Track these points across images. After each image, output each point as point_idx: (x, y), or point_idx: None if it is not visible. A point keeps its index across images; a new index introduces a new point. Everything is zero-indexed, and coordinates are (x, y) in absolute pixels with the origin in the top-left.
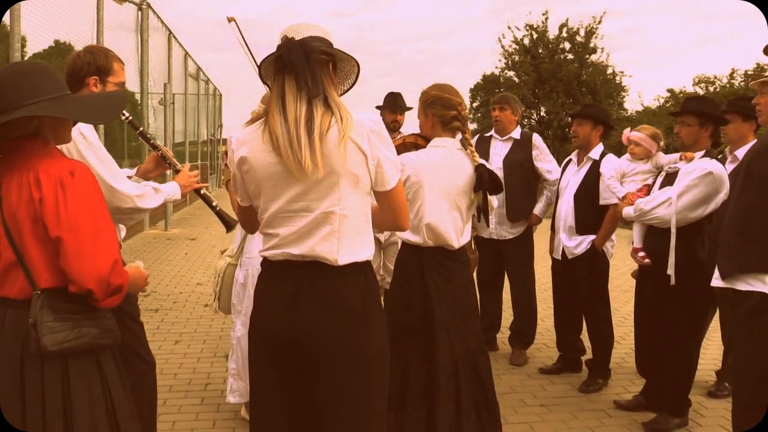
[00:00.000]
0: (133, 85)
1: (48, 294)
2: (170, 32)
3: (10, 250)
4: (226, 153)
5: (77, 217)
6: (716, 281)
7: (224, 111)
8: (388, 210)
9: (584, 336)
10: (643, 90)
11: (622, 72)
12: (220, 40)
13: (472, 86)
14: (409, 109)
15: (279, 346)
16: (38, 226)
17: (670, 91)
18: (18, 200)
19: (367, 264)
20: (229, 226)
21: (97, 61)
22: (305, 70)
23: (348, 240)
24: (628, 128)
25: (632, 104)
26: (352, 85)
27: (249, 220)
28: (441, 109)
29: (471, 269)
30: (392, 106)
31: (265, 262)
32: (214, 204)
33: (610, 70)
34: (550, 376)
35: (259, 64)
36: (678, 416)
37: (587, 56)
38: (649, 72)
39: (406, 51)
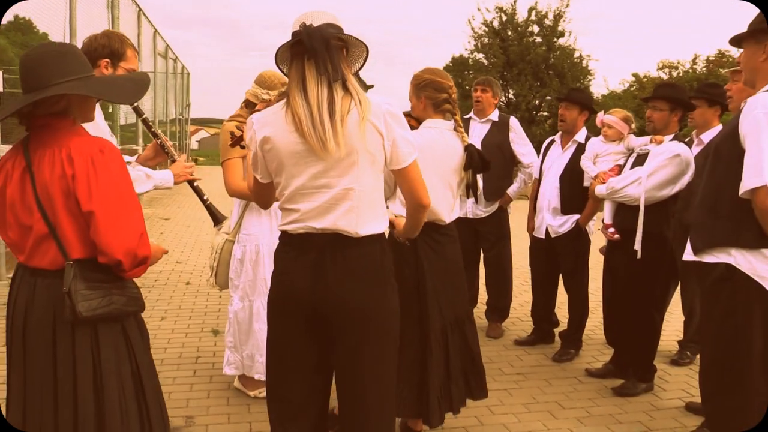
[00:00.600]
0: None
1: (80, 264)
2: (140, 9)
3: (42, 222)
4: (162, 145)
5: (107, 192)
6: (688, 255)
7: (192, 90)
8: (408, 185)
9: (557, 309)
10: (608, 74)
11: (588, 56)
12: (185, 16)
13: (442, 68)
14: (371, 86)
15: (304, 311)
16: (70, 201)
17: (635, 75)
18: (51, 176)
19: (382, 235)
20: (217, 220)
21: (112, 45)
22: (325, 56)
23: (366, 214)
24: (602, 111)
25: (598, 88)
26: (361, 67)
27: (265, 196)
28: (433, 92)
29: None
30: None
31: (285, 236)
32: (204, 198)
33: (577, 54)
34: (525, 347)
35: (278, 49)
36: (644, 381)
37: (555, 40)
38: (615, 56)
39: (374, 31)
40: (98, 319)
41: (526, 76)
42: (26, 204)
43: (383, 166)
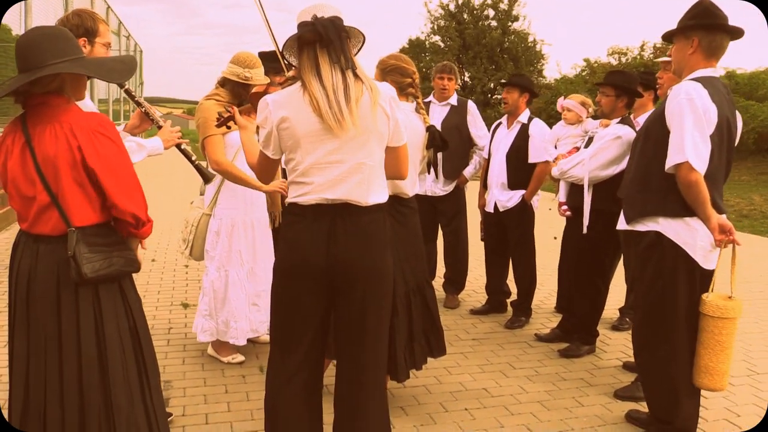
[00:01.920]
0: None
1: (82, 231)
2: None
3: (45, 193)
4: (146, 113)
5: (114, 159)
6: (621, 225)
7: (144, 68)
8: (395, 162)
9: (510, 281)
10: (561, 59)
11: (542, 40)
12: None
13: (398, 50)
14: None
15: (315, 273)
16: (76, 171)
17: (586, 60)
18: (56, 149)
19: (384, 204)
20: (207, 179)
21: (84, 24)
22: (338, 45)
23: (373, 185)
24: (562, 96)
25: (551, 72)
26: (356, 53)
27: (271, 171)
28: (398, 77)
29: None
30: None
31: (295, 207)
32: (193, 158)
33: (531, 39)
34: (480, 316)
35: (285, 40)
36: (587, 344)
37: (510, 24)
38: (567, 42)
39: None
40: (101, 279)
41: (481, 59)
42: (28, 176)
43: (386, 144)
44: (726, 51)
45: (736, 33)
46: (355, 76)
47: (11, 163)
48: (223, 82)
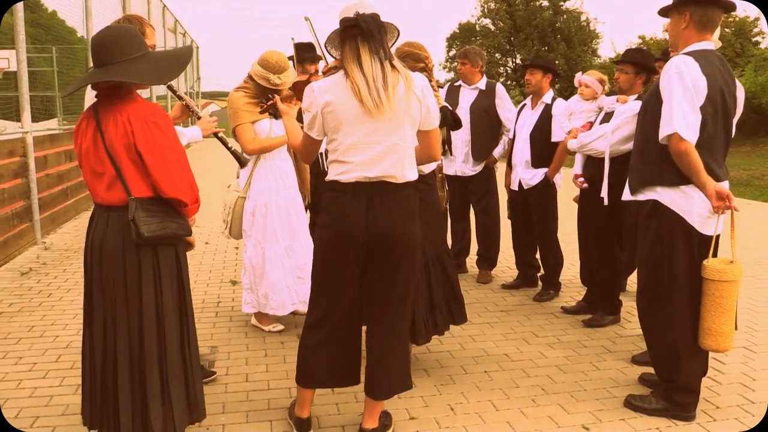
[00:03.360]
0: None
1: (140, 200)
2: None
3: (112, 169)
4: (186, 106)
5: (160, 143)
6: (626, 195)
7: (201, 63)
8: (427, 144)
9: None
10: (616, 37)
11: (596, 19)
12: None
13: (449, 35)
14: (319, 58)
15: (355, 243)
16: (131, 152)
17: (641, 37)
18: (116, 134)
19: (414, 181)
20: (242, 163)
21: (133, 26)
22: (378, 39)
23: (407, 164)
24: (580, 72)
25: (606, 51)
26: (392, 45)
27: (313, 151)
28: (412, 62)
29: (443, 203)
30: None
31: (336, 184)
32: (229, 146)
33: (584, 17)
34: (510, 290)
35: (328, 34)
36: (611, 314)
37: (561, 3)
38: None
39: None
40: (157, 240)
41: (533, 40)
42: (98, 155)
43: (417, 128)
44: (718, 25)
45: (729, 6)
46: (392, 66)
47: (86, 144)
48: (253, 78)
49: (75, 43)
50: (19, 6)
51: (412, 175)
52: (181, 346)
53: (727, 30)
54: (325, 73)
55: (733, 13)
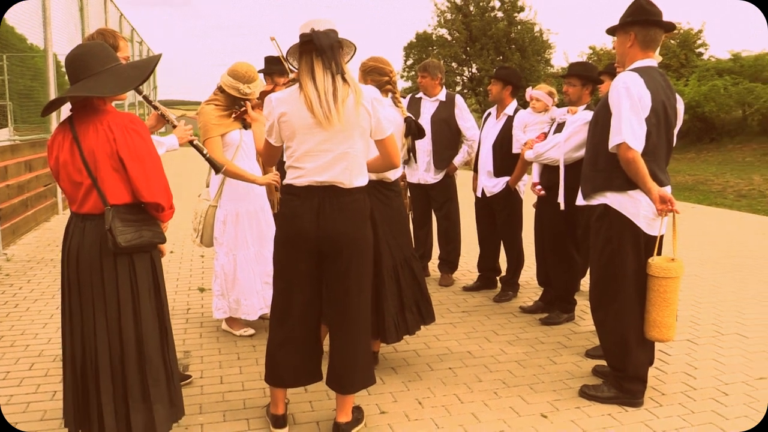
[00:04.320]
0: (73, 46)
1: (116, 208)
2: None
3: (89, 178)
4: (162, 115)
5: (142, 150)
6: (579, 201)
7: (157, 72)
8: (384, 152)
9: (502, 260)
10: (569, 47)
11: (548, 30)
12: None
13: (406, 44)
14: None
15: (308, 242)
16: (113, 159)
17: (592, 48)
18: (97, 142)
19: (365, 187)
20: (217, 169)
21: (107, 41)
22: (330, 55)
23: (355, 171)
24: (530, 87)
25: (558, 61)
26: (349, 60)
27: (274, 156)
28: (377, 76)
29: (406, 210)
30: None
31: (291, 188)
32: (204, 152)
33: (537, 28)
34: (471, 292)
35: (289, 47)
36: (566, 312)
37: (516, 14)
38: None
39: (339, 6)
40: (133, 249)
41: (488, 50)
42: (76, 166)
43: (368, 137)
44: (660, 43)
45: (669, 27)
46: (344, 80)
47: (63, 156)
48: (223, 89)
49: (25, 50)
50: None
51: (360, 182)
52: (161, 349)
53: (672, 42)
54: (285, 84)
55: (678, 25)
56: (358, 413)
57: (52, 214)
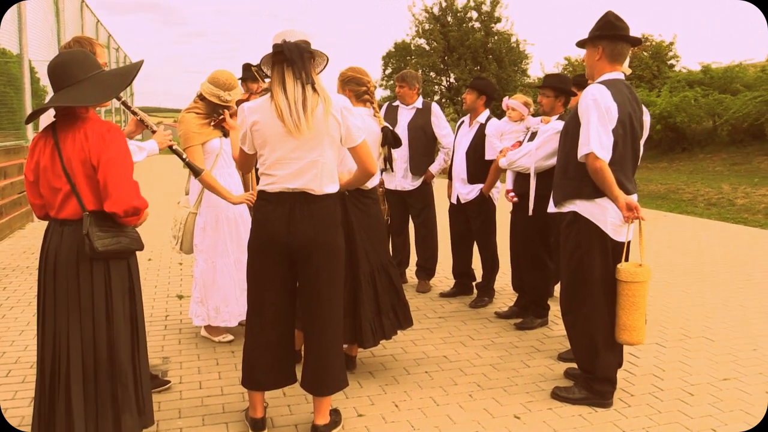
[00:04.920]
0: (49, 52)
1: (93, 214)
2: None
3: (68, 185)
4: (141, 120)
5: (114, 158)
6: (550, 208)
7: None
8: (358, 159)
9: (476, 266)
10: (544, 57)
11: (525, 40)
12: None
13: (384, 53)
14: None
15: (279, 247)
16: (87, 167)
17: (567, 59)
18: (73, 150)
19: (335, 194)
20: (196, 173)
21: (83, 48)
22: (300, 65)
23: (326, 178)
24: (507, 96)
25: (535, 71)
26: (322, 69)
27: (249, 164)
28: (355, 86)
29: (383, 217)
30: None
31: (264, 194)
32: (184, 156)
33: (514, 39)
34: (448, 298)
35: (262, 56)
36: (540, 317)
37: (493, 25)
38: (550, 41)
39: (318, 25)
40: (110, 254)
41: (465, 60)
42: (55, 172)
43: (339, 145)
44: (627, 57)
45: (635, 41)
46: (314, 89)
47: (43, 161)
48: (203, 97)
49: None
50: None
51: (330, 189)
52: (132, 356)
53: (645, 53)
54: (259, 93)
55: (650, 37)
56: (335, 416)
57: (26, 222)
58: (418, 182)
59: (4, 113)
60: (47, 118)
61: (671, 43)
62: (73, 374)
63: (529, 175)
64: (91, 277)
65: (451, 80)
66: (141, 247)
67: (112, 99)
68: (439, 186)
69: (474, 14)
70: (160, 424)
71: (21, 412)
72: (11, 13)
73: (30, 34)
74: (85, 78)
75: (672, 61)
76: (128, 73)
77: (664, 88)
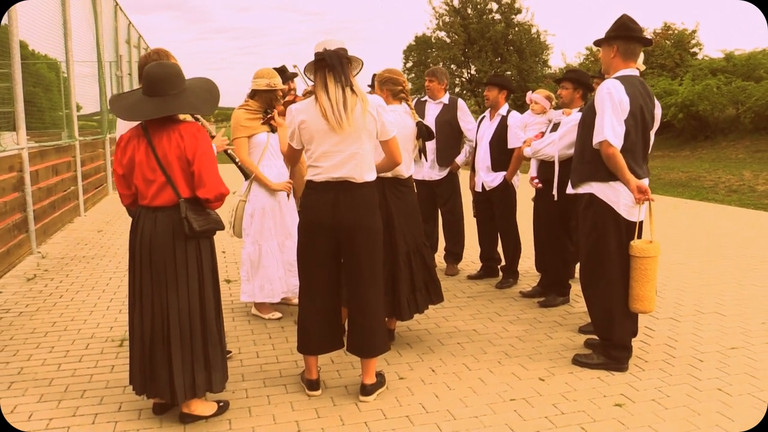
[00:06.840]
0: (90, 54)
1: (188, 200)
2: (116, 2)
3: (163, 177)
4: (202, 125)
5: (206, 153)
6: (569, 190)
7: None
8: (388, 151)
9: (499, 249)
10: (566, 47)
11: (545, 31)
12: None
13: (405, 47)
14: (295, 75)
15: (324, 229)
16: (182, 161)
17: (589, 49)
18: (170, 146)
19: (374, 182)
20: (246, 176)
21: (161, 59)
22: (340, 70)
23: (365, 168)
24: (530, 90)
25: (556, 61)
26: (357, 73)
27: (296, 157)
28: (392, 86)
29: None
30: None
31: (311, 183)
32: (237, 161)
33: (534, 30)
34: (475, 280)
35: (306, 63)
36: (562, 296)
37: (513, 16)
38: (573, 30)
39: (339, 5)
40: (204, 233)
41: (486, 52)
42: (150, 165)
43: (375, 139)
44: (640, 55)
45: (647, 42)
46: (352, 91)
47: (138, 157)
48: (253, 94)
49: (27, 57)
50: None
51: (369, 177)
52: (218, 321)
53: (667, 42)
54: (304, 95)
55: (673, 25)
56: (380, 377)
57: (74, 216)
58: (444, 172)
59: (33, 112)
60: (126, 123)
61: (694, 31)
62: (173, 339)
63: (550, 163)
64: (185, 254)
65: (472, 72)
66: (222, 227)
67: (216, 110)
68: (463, 177)
69: (494, 6)
70: (227, 386)
71: (105, 377)
72: (54, 18)
73: (75, 40)
74: (184, 88)
75: (694, 49)
76: (213, 89)
77: (687, 77)
